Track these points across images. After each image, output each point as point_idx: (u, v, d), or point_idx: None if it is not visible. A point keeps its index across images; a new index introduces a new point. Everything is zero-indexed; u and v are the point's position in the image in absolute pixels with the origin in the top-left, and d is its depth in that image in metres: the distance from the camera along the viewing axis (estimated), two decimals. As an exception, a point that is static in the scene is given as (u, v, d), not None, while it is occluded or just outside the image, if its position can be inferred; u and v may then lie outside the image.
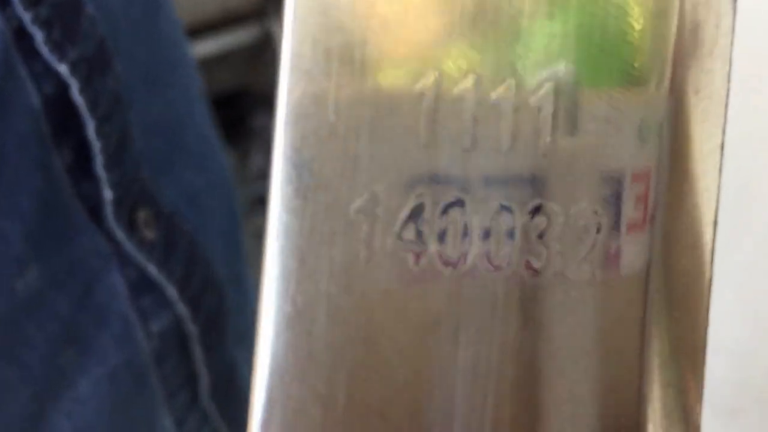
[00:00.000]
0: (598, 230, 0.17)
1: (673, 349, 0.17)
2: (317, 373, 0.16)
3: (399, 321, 0.16)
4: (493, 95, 0.17)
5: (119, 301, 0.30)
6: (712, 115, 0.18)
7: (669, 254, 0.18)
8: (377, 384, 0.16)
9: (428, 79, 0.16)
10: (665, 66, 0.17)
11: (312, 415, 0.16)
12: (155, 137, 0.32)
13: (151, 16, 0.32)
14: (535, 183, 0.17)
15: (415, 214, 0.16)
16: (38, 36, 0.26)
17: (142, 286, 0.30)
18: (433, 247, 0.16)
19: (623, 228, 0.17)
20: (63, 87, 0.27)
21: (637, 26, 0.17)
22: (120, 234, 0.29)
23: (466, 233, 0.16)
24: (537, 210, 0.17)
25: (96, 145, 0.28)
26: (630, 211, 0.17)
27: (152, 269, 0.30)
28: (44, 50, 0.26)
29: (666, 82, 0.17)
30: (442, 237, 0.16)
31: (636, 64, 0.17)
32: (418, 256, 0.16)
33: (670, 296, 0.18)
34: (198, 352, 0.32)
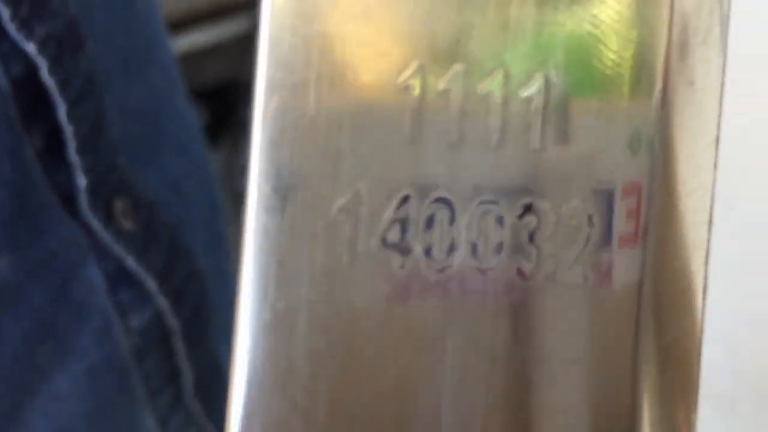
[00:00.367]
0: (589, 234, 0.16)
1: (666, 357, 0.16)
2: (297, 384, 0.15)
3: (383, 328, 0.15)
4: (481, 87, 0.15)
5: (97, 295, 0.28)
6: (707, 108, 0.17)
7: (661, 256, 0.16)
8: (360, 395, 0.15)
9: (413, 71, 0.15)
10: (657, 78, 0.16)
11: (292, 428, 0.14)
12: (133, 122, 0.30)
13: None
14: (525, 180, 0.16)
15: (400, 214, 0.15)
16: (4, 13, 0.24)
17: (121, 279, 0.29)
18: (418, 249, 0.15)
19: (614, 242, 0.16)
20: (32, 68, 0.25)
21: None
22: (96, 224, 0.28)
23: (452, 233, 0.15)
24: (527, 209, 0.16)
25: (68, 128, 0.26)
26: (621, 225, 0.16)
27: (131, 261, 0.29)
28: (11, 28, 0.25)
29: (658, 95, 0.16)
30: (428, 237, 0.15)
31: (627, 76, 0.16)
32: (403, 259, 0.15)
33: (662, 300, 0.16)
34: (180, 348, 0.31)
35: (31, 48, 0.25)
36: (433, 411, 0.15)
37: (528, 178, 0.16)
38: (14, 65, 0.25)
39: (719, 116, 0.17)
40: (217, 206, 0.35)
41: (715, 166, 0.17)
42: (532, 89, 0.16)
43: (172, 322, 0.30)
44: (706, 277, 0.16)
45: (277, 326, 0.15)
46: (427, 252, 0.15)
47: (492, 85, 0.15)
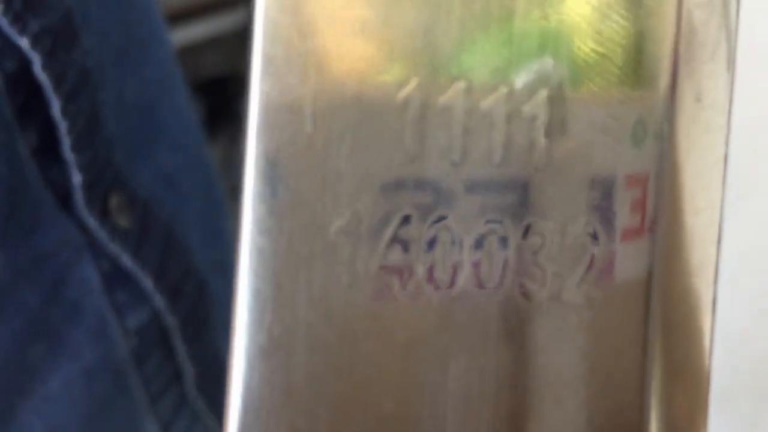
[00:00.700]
0: (594, 243, 0.15)
1: (673, 376, 0.16)
2: (296, 409, 0.14)
3: (385, 350, 0.14)
4: (484, 104, 0.14)
5: (92, 294, 0.27)
6: (714, 124, 0.16)
7: (669, 275, 0.16)
8: (362, 418, 0.14)
9: (413, 86, 0.14)
10: (663, 67, 0.15)
11: (290, 457, 0.14)
12: (130, 117, 0.29)
13: None
14: (529, 198, 0.15)
15: (401, 233, 0.14)
16: None
17: (117, 278, 0.28)
18: (420, 269, 0.14)
19: (617, 235, 0.15)
20: (25, 63, 0.24)
21: (631, 27, 0.15)
22: (91, 222, 0.27)
23: (455, 254, 0.14)
24: (530, 228, 0.15)
25: (63, 125, 0.25)
26: (625, 217, 0.15)
27: (126, 259, 0.28)
28: (3, 23, 0.24)
29: (665, 84, 0.15)
30: (430, 258, 0.14)
31: (629, 65, 0.15)
32: (404, 279, 0.14)
33: (670, 318, 0.16)
34: (180, 346, 0.30)
35: (24, 43, 0.24)
36: (436, 436, 0.14)
37: (531, 195, 0.15)
38: (7, 60, 0.24)
39: (727, 133, 0.16)
40: (216, 200, 0.34)
41: (723, 184, 0.16)
42: (535, 104, 0.15)
43: (170, 320, 0.29)
44: (715, 297, 0.16)
45: (274, 350, 0.14)
46: (430, 273, 0.14)
47: (495, 101, 0.15)
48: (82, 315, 0.27)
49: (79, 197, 0.26)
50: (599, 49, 0.15)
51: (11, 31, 0.24)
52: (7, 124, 0.25)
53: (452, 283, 0.15)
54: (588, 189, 0.15)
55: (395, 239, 0.14)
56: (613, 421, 0.15)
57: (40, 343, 0.26)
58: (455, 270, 0.15)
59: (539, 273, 0.15)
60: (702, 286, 0.16)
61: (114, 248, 0.27)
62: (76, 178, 0.26)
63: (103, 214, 0.27)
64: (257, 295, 0.14)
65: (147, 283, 0.28)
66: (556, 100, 0.15)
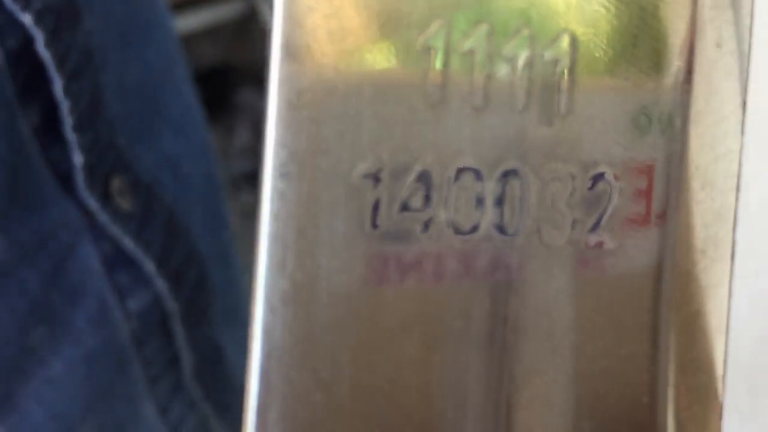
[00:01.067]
0: (614, 190, 0.15)
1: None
2: (319, 356, 0.14)
3: (407, 295, 0.14)
4: (507, 48, 0.14)
5: (93, 277, 0.27)
6: (734, 71, 0.15)
7: (688, 225, 0.15)
8: (384, 366, 0.14)
9: (435, 31, 0.14)
10: (675, 54, 0.15)
11: (314, 402, 0.13)
12: (132, 100, 0.29)
13: None
14: (550, 144, 0.14)
15: (423, 179, 0.14)
16: None
17: (118, 260, 0.27)
18: (442, 215, 0.14)
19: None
20: (28, 40, 0.24)
21: (638, 14, 0.15)
22: (93, 203, 0.26)
23: (478, 201, 0.14)
24: (553, 174, 0.14)
25: (65, 104, 0.25)
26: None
27: (128, 242, 0.27)
28: None
29: (677, 72, 0.15)
30: (452, 204, 0.14)
31: (635, 52, 0.14)
32: (426, 225, 0.14)
33: (686, 266, 0.15)
34: (179, 331, 0.29)
35: (27, 19, 0.23)
36: (458, 384, 0.14)
37: (553, 141, 0.14)
38: (10, 37, 0.24)
39: (747, 79, 0.15)
40: (217, 186, 0.34)
41: (743, 130, 0.16)
42: (558, 49, 0.14)
43: (171, 305, 0.29)
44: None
45: (296, 296, 0.14)
46: (451, 219, 0.14)
47: (518, 45, 0.14)
48: (84, 297, 0.27)
49: (80, 178, 0.26)
50: (601, 33, 0.14)
51: (14, 8, 0.23)
52: (8, 102, 0.24)
53: (474, 229, 0.14)
54: (615, 129, 0.15)
55: (418, 185, 0.14)
56: (631, 368, 0.15)
57: (42, 326, 0.26)
58: (477, 216, 0.14)
59: (559, 218, 0.15)
60: (721, 233, 0.15)
61: (115, 230, 0.27)
62: (78, 158, 0.25)
63: (105, 196, 0.27)
64: (279, 241, 0.13)
65: (149, 266, 0.28)
66: (576, 48, 0.14)
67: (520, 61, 0.14)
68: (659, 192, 0.15)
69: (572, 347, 0.15)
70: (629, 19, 0.15)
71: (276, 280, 0.13)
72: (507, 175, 0.14)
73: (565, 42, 0.14)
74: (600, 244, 0.15)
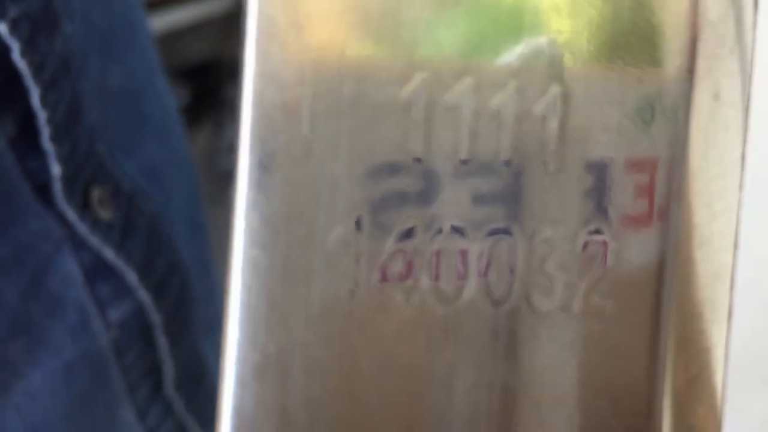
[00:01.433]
0: (604, 249, 0.14)
1: (688, 387, 0.14)
2: None
3: (387, 369, 0.13)
4: (493, 102, 0.13)
5: (73, 288, 0.26)
6: (732, 123, 0.14)
7: (684, 282, 0.14)
8: (362, 443, 0.13)
9: (417, 84, 0.13)
10: (674, 46, 0.14)
11: (287, 484, 0.12)
12: (114, 106, 0.28)
13: None
14: (537, 203, 0.13)
15: (405, 244, 0.13)
16: None
17: (99, 271, 0.26)
18: (425, 282, 0.13)
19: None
20: (3, 50, 0.23)
21: (637, 5, 0.14)
22: (71, 214, 0.25)
23: (463, 264, 0.13)
24: (537, 234, 0.13)
25: (42, 114, 0.24)
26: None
27: (109, 252, 0.26)
28: None
29: (679, 64, 0.14)
30: (435, 269, 0.13)
31: (627, 40, 0.13)
32: (408, 293, 0.13)
33: (684, 328, 0.14)
34: (163, 342, 0.28)
35: (2, 29, 0.22)
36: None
37: (540, 200, 0.13)
38: None
39: (745, 132, 0.15)
40: (197, 194, 0.33)
41: (741, 183, 0.15)
42: (547, 103, 0.13)
43: (155, 316, 0.28)
44: (731, 307, 0.14)
45: (268, 370, 0.12)
46: (434, 284, 0.13)
47: (504, 99, 0.13)
48: (63, 308, 0.26)
49: (58, 189, 0.25)
50: (597, 21, 0.13)
51: None
52: None
53: (458, 295, 0.13)
54: (586, 175, 0.14)
55: (398, 250, 0.13)
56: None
57: (21, 339, 0.25)
58: (462, 282, 0.13)
59: (547, 282, 0.14)
60: (718, 295, 0.14)
61: (95, 241, 0.26)
62: (56, 169, 0.24)
63: (84, 207, 0.26)
64: (251, 312, 0.12)
65: (132, 277, 0.27)
66: (567, 96, 0.13)
67: (507, 115, 0.13)
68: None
69: (563, 418, 0.14)
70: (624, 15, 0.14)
71: (247, 354, 0.12)
72: (493, 235, 0.13)
73: (554, 95, 0.13)
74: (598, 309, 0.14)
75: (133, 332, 0.28)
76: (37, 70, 0.23)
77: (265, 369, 0.12)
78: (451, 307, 0.13)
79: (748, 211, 0.15)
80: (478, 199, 0.13)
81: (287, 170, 0.12)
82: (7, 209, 0.24)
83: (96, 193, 0.26)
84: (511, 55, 0.13)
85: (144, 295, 0.27)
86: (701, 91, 0.14)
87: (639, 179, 0.14)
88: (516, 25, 0.13)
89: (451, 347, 0.13)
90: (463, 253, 0.13)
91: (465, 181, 0.13)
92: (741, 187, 0.15)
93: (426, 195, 0.13)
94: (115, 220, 0.26)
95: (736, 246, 0.15)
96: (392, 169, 0.13)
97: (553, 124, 0.13)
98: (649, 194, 0.14)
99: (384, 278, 0.13)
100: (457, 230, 0.13)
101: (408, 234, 0.13)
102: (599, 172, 0.14)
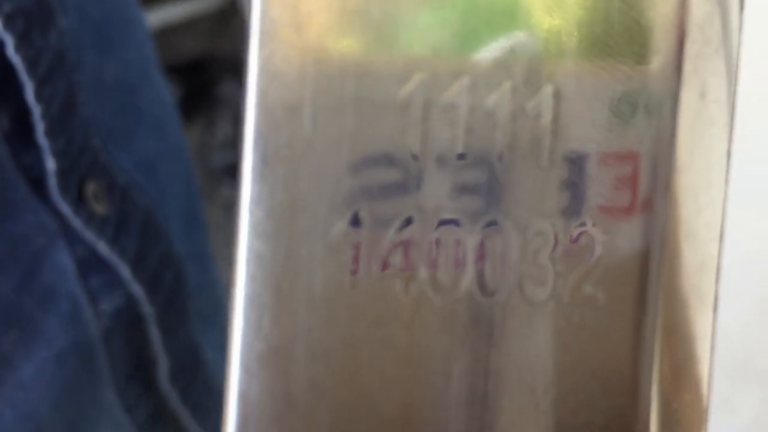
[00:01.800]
0: (601, 252, 0.14)
1: (674, 377, 0.15)
2: (297, 417, 0.13)
3: (387, 355, 0.13)
4: (488, 100, 0.13)
5: (66, 280, 0.26)
6: (718, 120, 0.15)
7: (670, 273, 0.15)
8: (363, 425, 0.13)
9: (415, 83, 0.13)
10: (661, 45, 0.14)
11: (291, 467, 0.13)
12: (109, 100, 0.28)
13: None
14: (528, 196, 0.14)
15: (404, 235, 0.13)
16: None
17: (92, 264, 0.26)
18: (423, 272, 0.13)
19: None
20: None
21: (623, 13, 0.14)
22: (66, 208, 0.25)
23: (459, 255, 0.13)
24: (529, 226, 0.14)
25: (36, 109, 0.24)
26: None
27: (103, 246, 0.26)
28: None
29: (666, 62, 0.14)
30: (433, 261, 0.13)
31: (611, 36, 0.14)
32: (407, 282, 0.13)
33: (671, 319, 0.15)
34: (156, 335, 0.28)
35: None
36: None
37: (536, 194, 0.14)
38: None
39: (731, 130, 0.15)
40: (194, 188, 0.33)
41: (727, 178, 0.15)
42: (541, 101, 0.14)
43: (147, 309, 0.28)
44: (717, 296, 0.15)
45: (273, 357, 0.13)
46: (432, 274, 0.13)
47: (499, 98, 0.13)
48: (56, 301, 0.26)
49: (53, 183, 0.25)
50: (575, 16, 0.14)
51: None
52: None
53: (456, 286, 0.14)
54: (574, 168, 0.14)
55: (397, 241, 0.13)
56: (614, 420, 0.15)
57: (13, 331, 0.25)
58: (459, 272, 0.13)
59: (542, 274, 0.14)
60: (704, 285, 0.15)
61: (90, 235, 0.26)
62: (50, 164, 0.24)
63: (78, 201, 0.26)
64: (255, 301, 0.13)
65: (125, 271, 0.27)
66: (560, 94, 0.14)
67: (502, 114, 0.14)
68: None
69: (554, 402, 0.14)
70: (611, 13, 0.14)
71: (252, 342, 0.13)
72: (490, 228, 0.14)
73: (547, 94, 0.14)
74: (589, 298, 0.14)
75: (124, 323, 0.28)
76: (32, 65, 0.24)
77: (269, 356, 0.13)
78: (447, 296, 0.13)
79: (734, 204, 0.15)
80: (473, 192, 0.14)
81: (289, 165, 0.13)
82: (2, 203, 0.24)
83: (91, 188, 0.26)
84: (504, 53, 0.13)
85: (136, 288, 0.27)
86: (688, 90, 0.15)
87: (622, 171, 0.14)
88: (508, 24, 0.14)
89: (448, 334, 0.14)
90: (460, 244, 0.13)
91: (460, 176, 0.13)
92: (726, 181, 0.15)
93: (423, 188, 0.13)
94: (110, 214, 0.27)
95: (721, 238, 0.15)
96: (390, 163, 0.13)
97: (545, 121, 0.14)
98: (633, 186, 0.14)
99: (384, 268, 0.13)
100: (453, 222, 0.13)
101: (406, 225, 0.13)
102: (586, 165, 0.14)
